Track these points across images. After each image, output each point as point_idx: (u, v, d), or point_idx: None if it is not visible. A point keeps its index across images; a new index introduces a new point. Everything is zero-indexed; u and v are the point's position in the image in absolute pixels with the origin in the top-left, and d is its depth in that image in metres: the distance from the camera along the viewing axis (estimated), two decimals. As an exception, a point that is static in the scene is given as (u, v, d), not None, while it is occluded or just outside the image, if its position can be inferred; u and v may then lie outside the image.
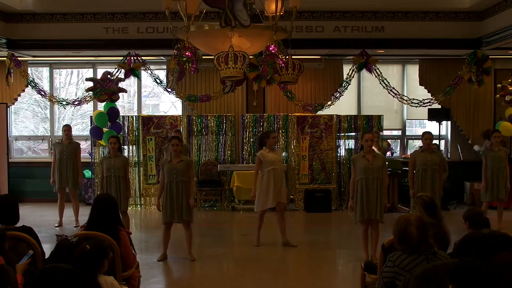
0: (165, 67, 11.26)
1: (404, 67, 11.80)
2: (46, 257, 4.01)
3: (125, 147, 10.79)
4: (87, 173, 10.94)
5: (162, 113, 12.47)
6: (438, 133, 10.71)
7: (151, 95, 12.92)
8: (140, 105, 12.04)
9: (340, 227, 9.35)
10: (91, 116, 10.87)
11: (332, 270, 6.87)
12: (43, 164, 11.00)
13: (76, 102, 10.32)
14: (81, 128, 12.77)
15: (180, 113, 11.75)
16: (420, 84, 11.42)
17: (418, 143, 11.88)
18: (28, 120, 12.70)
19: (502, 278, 2.74)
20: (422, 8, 10.00)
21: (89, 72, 11.95)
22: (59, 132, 11.05)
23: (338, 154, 10.80)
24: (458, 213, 8.78)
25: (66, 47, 10.36)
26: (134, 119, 10.95)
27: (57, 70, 12.26)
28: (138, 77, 10.47)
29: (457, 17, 10.13)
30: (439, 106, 10.94)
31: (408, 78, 11.72)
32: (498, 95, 10.36)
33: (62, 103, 10.40)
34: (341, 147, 10.87)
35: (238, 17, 4.94)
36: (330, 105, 10.47)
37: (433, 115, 10.84)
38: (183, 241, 7.03)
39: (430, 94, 10.97)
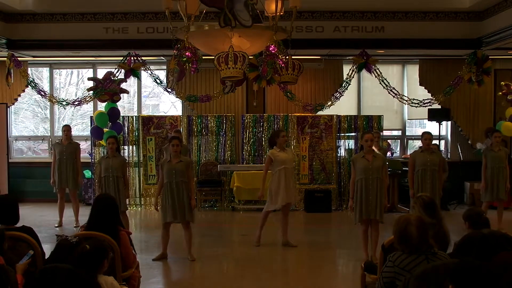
0: (165, 67, 11.26)
1: (404, 67, 11.80)
2: (46, 257, 4.01)
3: (125, 147, 10.80)
4: (87, 173, 10.94)
5: (162, 113, 12.47)
6: (438, 133, 10.71)
7: (151, 95, 12.92)
8: (140, 105, 12.04)
9: (340, 227, 9.35)
10: (91, 116, 10.88)
11: (332, 270, 6.87)
12: (43, 164, 11.00)
13: (76, 102, 10.32)
14: (81, 128, 12.77)
15: (180, 113, 11.75)
16: (420, 84, 11.41)
17: (418, 143, 11.87)
18: (28, 120, 12.71)
19: (502, 278, 2.74)
20: (422, 8, 10.00)
21: (89, 72, 11.95)
22: (59, 132, 11.05)
23: (338, 154, 10.80)
24: (458, 213, 8.78)
25: (66, 47, 10.36)
26: (134, 119, 10.95)
27: (57, 70, 12.27)
28: (138, 77, 10.47)
29: (457, 17, 10.13)
30: (439, 106, 10.94)
31: (408, 78, 11.71)
32: (500, 93, 10.36)
33: (62, 103, 10.40)
34: (341, 147, 10.87)
35: (238, 18, 4.93)
36: (330, 105, 10.47)
37: (433, 115, 10.84)
38: (182, 241, 7.04)
39: (430, 94, 10.97)
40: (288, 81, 5.95)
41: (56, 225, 8.95)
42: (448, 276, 2.80)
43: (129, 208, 10.17)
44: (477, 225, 4.11)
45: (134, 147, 10.90)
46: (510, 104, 10.08)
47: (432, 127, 11.19)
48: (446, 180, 8.63)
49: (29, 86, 10.60)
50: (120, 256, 4.19)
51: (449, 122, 11.55)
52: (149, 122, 10.90)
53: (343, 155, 10.82)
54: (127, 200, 8.42)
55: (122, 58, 10.08)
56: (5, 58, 10.24)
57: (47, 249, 4.29)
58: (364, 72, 10.56)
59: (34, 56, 11.16)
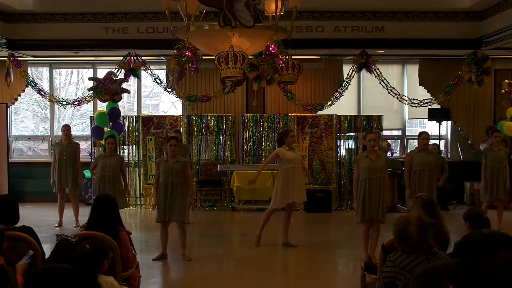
0: (165, 67, 11.26)
1: (404, 67, 11.80)
2: (46, 257, 4.01)
3: (125, 147, 10.81)
4: (87, 173, 10.93)
5: (162, 113, 12.47)
6: (438, 133, 10.72)
7: (151, 95, 12.92)
8: (140, 105, 12.04)
9: (340, 227, 9.35)
10: (91, 116, 10.88)
11: (332, 270, 6.87)
12: (43, 164, 11.00)
13: (76, 102, 10.33)
14: (81, 128, 12.77)
15: (180, 113, 11.75)
16: (420, 84, 11.41)
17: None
18: (28, 120, 12.71)
19: (502, 278, 2.74)
20: (422, 8, 10.00)
21: (89, 72, 11.95)
22: (59, 132, 11.05)
23: (338, 154, 10.80)
24: (458, 213, 8.78)
25: (66, 47, 10.36)
26: (134, 119, 10.95)
27: (57, 70, 12.27)
28: (138, 77, 10.48)
29: (457, 17, 10.12)
30: (439, 106, 10.94)
31: (408, 78, 11.71)
32: (503, 90, 10.37)
33: (62, 103, 10.41)
34: (341, 147, 10.87)
35: (239, 18, 4.93)
36: (330, 105, 10.48)
37: (433, 115, 10.84)
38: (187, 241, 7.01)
39: (430, 94, 10.97)
40: (288, 81, 5.95)
41: (56, 225, 8.95)
42: (448, 276, 2.80)
43: (129, 207, 10.22)
44: (477, 225, 4.11)
45: (134, 147, 10.90)
46: (511, 103, 10.09)
47: (432, 127, 11.19)
48: (446, 180, 8.63)
49: (29, 86, 10.61)
50: (120, 256, 4.19)
51: (449, 122, 11.55)
52: (149, 122, 10.90)
53: (343, 155, 10.82)
54: (127, 198, 8.58)
55: (122, 58, 10.08)
56: (6, 58, 10.24)
57: (47, 249, 4.29)
58: (364, 72, 10.56)
59: (34, 56, 11.16)
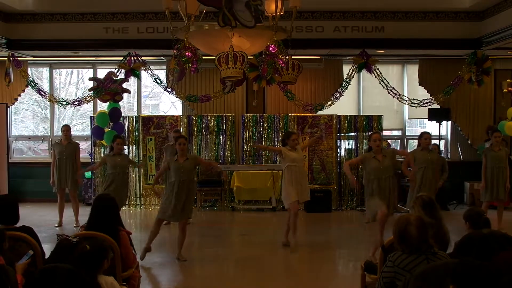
0: (165, 67, 11.26)
1: (404, 67, 11.80)
2: (46, 257, 4.01)
3: (125, 147, 10.80)
4: (87, 173, 10.93)
5: (162, 113, 12.47)
6: (438, 133, 10.72)
7: (151, 95, 12.92)
8: (140, 105, 12.04)
9: (340, 227, 9.35)
10: (91, 116, 10.89)
11: (332, 270, 6.88)
12: (43, 164, 10.99)
13: (76, 102, 10.33)
14: (81, 128, 12.77)
15: (180, 113, 11.75)
16: (420, 84, 11.41)
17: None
18: (28, 120, 12.71)
19: (502, 278, 2.74)
20: (422, 8, 10.00)
21: (89, 72, 11.96)
22: (59, 132, 11.05)
23: (338, 154, 10.80)
24: (458, 213, 8.78)
25: (66, 47, 10.36)
26: (134, 119, 10.96)
27: (57, 70, 12.27)
28: (138, 77, 10.48)
29: (457, 17, 10.12)
30: (439, 106, 10.94)
31: (408, 78, 11.71)
32: (505, 90, 10.36)
33: (62, 103, 10.41)
34: (341, 147, 10.87)
35: (239, 18, 4.93)
36: (330, 105, 10.48)
37: (433, 115, 10.84)
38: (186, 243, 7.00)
39: (430, 94, 10.97)
40: (287, 81, 5.95)
41: (56, 225, 8.95)
42: (448, 276, 2.80)
43: (129, 207, 10.23)
44: (477, 225, 4.12)
45: (134, 147, 10.90)
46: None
47: (432, 127, 11.19)
48: (446, 180, 8.64)
49: (29, 86, 10.61)
50: (120, 256, 4.19)
51: (449, 122, 11.55)
52: (149, 122, 10.90)
53: (343, 155, 10.82)
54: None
55: (122, 58, 10.09)
56: (6, 58, 10.24)
57: (47, 249, 4.29)
58: (364, 72, 10.57)
59: (34, 56, 11.16)
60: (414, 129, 12.43)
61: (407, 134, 12.03)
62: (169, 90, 10.49)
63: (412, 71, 11.61)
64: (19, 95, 11.60)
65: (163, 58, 11.17)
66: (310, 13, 10.03)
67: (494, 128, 9.65)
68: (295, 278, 6.46)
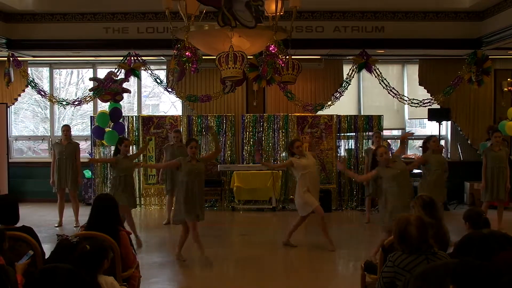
0: (165, 67, 11.26)
1: (404, 67, 11.80)
2: (46, 257, 4.01)
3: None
4: (87, 173, 10.94)
5: (162, 113, 12.47)
6: (438, 133, 10.72)
7: (151, 95, 12.92)
8: (140, 105, 12.04)
9: (340, 227, 9.33)
10: (91, 116, 10.89)
11: (332, 270, 6.87)
12: (43, 164, 10.99)
13: (76, 102, 10.32)
14: (81, 128, 12.77)
15: (180, 113, 11.75)
16: (420, 84, 11.41)
17: (418, 143, 11.87)
18: (28, 120, 12.71)
19: (502, 278, 2.74)
20: (422, 8, 10.00)
21: (89, 72, 11.96)
22: (59, 132, 11.04)
23: (338, 154, 10.80)
24: (458, 213, 8.78)
25: (66, 47, 10.35)
26: (134, 119, 10.96)
27: (57, 70, 12.27)
28: (138, 77, 10.47)
29: (457, 17, 10.12)
30: (439, 106, 10.94)
31: (408, 78, 11.71)
32: (506, 89, 10.36)
33: (62, 103, 10.41)
34: (341, 147, 10.87)
35: (239, 18, 4.92)
36: (330, 105, 10.48)
37: (433, 115, 10.84)
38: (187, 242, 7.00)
39: (430, 94, 10.97)
40: (286, 81, 5.95)
41: (56, 225, 8.96)
42: (448, 276, 2.80)
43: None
44: (477, 225, 4.12)
45: (134, 147, 10.89)
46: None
47: (432, 127, 11.19)
48: (446, 180, 8.65)
49: (29, 86, 10.60)
50: (120, 256, 4.19)
51: (449, 122, 11.55)
52: (149, 122, 10.90)
53: (343, 155, 10.82)
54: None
55: (122, 58, 10.09)
56: (5, 58, 10.24)
57: (47, 249, 4.29)
58: (364, 72, 10.56)
59: (34, 56, 11.16)
60: (414, 129, 12.43)
61: (407, 134, 12.03)
62: (169, 90, 10.49)
63: (412, 71, 11.60)
64: (19, 95, 11.59)
65: (163, 58, 11.17)
66: (310, 13, 10.03)
67: (495, 128, 9.65)
68: (295, 278, 6.46)
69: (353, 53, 10.18)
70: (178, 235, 7.17)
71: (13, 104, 11.67)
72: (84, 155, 10.69)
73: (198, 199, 6.74)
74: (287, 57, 5.73)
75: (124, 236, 4.43)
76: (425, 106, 10.49)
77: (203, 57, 5.66)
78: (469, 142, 11.48)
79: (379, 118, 10.82)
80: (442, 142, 11.33)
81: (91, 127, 10.64)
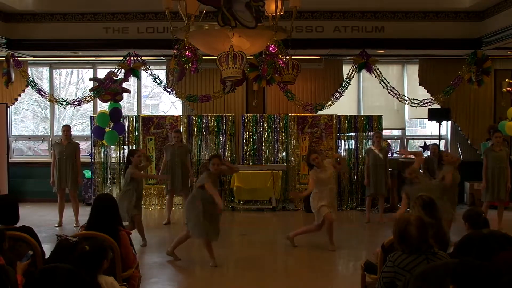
0: (165, 67, 11.26)
1: (404, 67, 11.80)
2: (46, 257, 4.01)
3: (125, 147, 10.80)
4: (87, 173, 10.93)
5: (162, 113, 12.47)
6: (438, 133, 10.72)
7: (151, 95, 12.93)
8: (140, 105, 12.04)
9: (340, 227, 9.31)
10: (91, 116, 10.88)
11: (332, 270, 6.87)
12: (43, 164, 10.99)
13: (76, 102, 10.33)
14: (81, 128, 12.77)
15: (180, 113, 11.75)
16: (420, 84, 11.41)
17: (419, 143, 11.90)
18: (28, 120, 12.71)
19: (502, 278, 2.74)
20: (422, 8, 10.00)
21: (89, 72, 11.96)
22: (59, 132, 11.05)
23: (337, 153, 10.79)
24: (458, 213, 8.77)
25: (66, 47, 10.36)
26: (134, 119, 10.96)
27: (57, 70, 12.26)
28: (138, 77, 10.48)
29: (457, 17, 10.12)
30: (439, 106, 10.94)
31: (408, 78, 11.70)
32: (504, 89, 10.35)
33: (62, 103, 10.41)
34: (341, 147, 10.87)
35: (240, 18, 4.92)
36: (330, 105, 10.48)
37: (433, 115, 10.84)
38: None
39: (430, 94, 10.96)
40: (286, 81, 5.95)
41: (56, 225, 8.95)
42: (448, 276, 2.80)
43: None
44: (476, 225, 4.12)
45: (134, 147, 10.89)
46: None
47: (432, 127, 11.18)
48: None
49: (29, 86, 10.60)
50: (120, 256, 4.19)
51: (449, 122, 11.55)
52: (149, 122, 10.90)
53: (343, 155, 10.81)
54: None
55: (122, 58, 10.09)
56: (4, 58, 10.25)
57: (47, 249, 4.29)
58: (364, 72, 10.56)
59: (34, 56, 11.16)
60: (414, 129, 12.44)
61: (407, 134, 12.04)
62: (169, 90, 10.49)
63: (412, 71, 11.60)
64: (19, 95, 11.59)
65: (163, 58, 11.17)
66: (310, 13, 10.03)
67: (496, 127, 9.65)
68: (295, 278, 6.45)
69: (353, 53, 10.18)
70: (178, 235, 7.17)
71: (13, 104, 11.67)
72: (84, 155, 10.69)
73: (215, 218, 6.66)
74: (287, 57, 5.73)
75: (124, 236, 4.43)
76: (425, 106, 10.49)
77: (203, 57, 5.66)
78: (469, 142, 11.47)
79: (379, 118, 10.81)
80: (442, 142, 11.34)
81: (91, 127, 10.64)
